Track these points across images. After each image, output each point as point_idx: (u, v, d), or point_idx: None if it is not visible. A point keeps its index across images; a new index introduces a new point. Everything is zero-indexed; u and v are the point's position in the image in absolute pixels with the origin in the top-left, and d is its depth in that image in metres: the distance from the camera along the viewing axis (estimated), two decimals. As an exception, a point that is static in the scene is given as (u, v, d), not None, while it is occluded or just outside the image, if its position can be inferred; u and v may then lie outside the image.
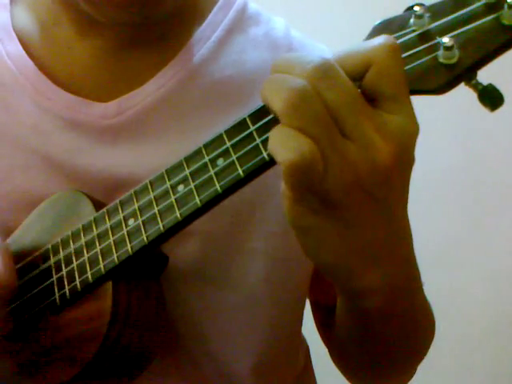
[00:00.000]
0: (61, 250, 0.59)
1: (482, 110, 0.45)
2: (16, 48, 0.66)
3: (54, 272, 0.59)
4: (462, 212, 1.56)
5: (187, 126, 0.64)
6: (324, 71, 0.43)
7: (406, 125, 0.44)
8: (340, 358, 0.76)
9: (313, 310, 0.80)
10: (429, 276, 0.71)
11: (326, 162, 0.43)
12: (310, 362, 0.79)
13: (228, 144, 0.50)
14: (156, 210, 0.53)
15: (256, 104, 0.48)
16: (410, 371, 0.72)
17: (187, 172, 0.52)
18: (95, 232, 0.57)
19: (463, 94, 0.49)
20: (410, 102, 0.45)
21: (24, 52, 0.66)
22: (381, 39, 0.44)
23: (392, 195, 0.46)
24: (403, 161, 0.45)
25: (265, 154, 0.47)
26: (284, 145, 0.43)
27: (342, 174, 0.43)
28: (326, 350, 0.78)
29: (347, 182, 0.44)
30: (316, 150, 0.42)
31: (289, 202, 0.46)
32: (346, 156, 0.43)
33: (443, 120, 1.45)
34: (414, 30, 0.47)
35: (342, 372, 0.77)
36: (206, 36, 0.67)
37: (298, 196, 0.45)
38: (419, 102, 0.48)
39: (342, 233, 0.46)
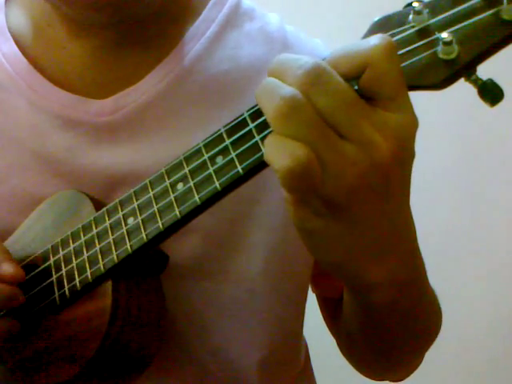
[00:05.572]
0: (60, 250, 0.59)
1: (482, 105, 0.45)
2: (11, 48, 0.66)
3: (53, 272, 0.58)
4: (460, 211, 1.55)
5: (184, 121, 0.64)
6: (315, 76, 0.43)
7: (405, 121, 0.44)
8: (348, 349, 0.76)
9: (320, 305, 0.80)
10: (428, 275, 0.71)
11: (325, 164, 0.43)
12: (310, 361, 0.79)
13: (227, 141, 0.49)
14: (155, 208, 0.53)
15: (252, 99, 0.48)
16: (418, 359, 0.72)
17: (186, 170, 0.52)
18: (95, 231, 0.57)
19: (463, 89, 0.49)
20: (408, 99, 0.45)
21: (19, 52, 0.66)
22: (376, 39, 0.44)
23: (394, 190, 0.46)
24: (403, 156, 0.45)
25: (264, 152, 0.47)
26: (278, 152, 0.43)
27: (343, 174, 0.43)
28: (326, 349, 0.78)
29: (349, 182, 0.44)
30: (311, 154, 0.42)
31: (292, 206, 0.46)
32: (345, 157, 0.43)
33: (443, 115, 1.44)
34: (413, 26, 0.47)
35: (350, 363, 0.77)
36: (201, 32, 0.67)
37: (300, 200, 0.45)
38: (418, 98, 0.48)
39: (348, 232, 0.46)
